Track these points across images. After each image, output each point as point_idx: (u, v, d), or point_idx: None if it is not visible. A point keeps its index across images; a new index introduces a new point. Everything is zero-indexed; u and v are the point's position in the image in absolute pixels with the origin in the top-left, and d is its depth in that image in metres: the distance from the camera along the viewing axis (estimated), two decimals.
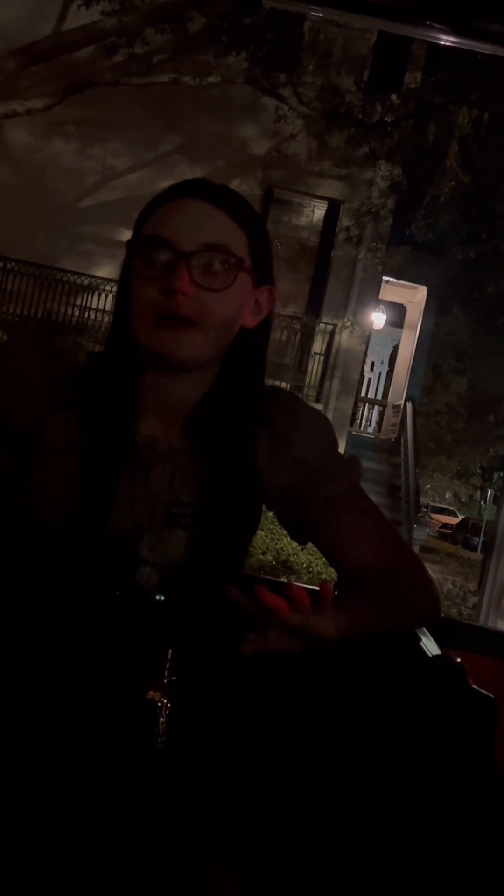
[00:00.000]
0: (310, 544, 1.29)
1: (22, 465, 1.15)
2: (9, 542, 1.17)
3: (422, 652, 1.26)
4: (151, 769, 1.13)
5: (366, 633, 1.14)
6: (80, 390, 1.17)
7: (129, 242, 1.17)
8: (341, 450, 1.30)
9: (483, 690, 1.24)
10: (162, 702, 1.14)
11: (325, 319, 13.03)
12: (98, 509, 1.12)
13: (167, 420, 1.18)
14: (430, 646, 1.28)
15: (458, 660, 1.19)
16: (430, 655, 1.25)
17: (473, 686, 1.19)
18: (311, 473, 1.24)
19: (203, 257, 1.12)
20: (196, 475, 1.17)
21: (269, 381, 1.28)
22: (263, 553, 8.38)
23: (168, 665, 1.15)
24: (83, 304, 12.23)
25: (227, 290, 1.13)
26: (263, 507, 1.27)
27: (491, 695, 1.24)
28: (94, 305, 12.16)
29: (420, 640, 1.30)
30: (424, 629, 1.34)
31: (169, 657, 1.16)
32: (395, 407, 18.82)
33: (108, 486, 1.13)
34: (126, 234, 1.18)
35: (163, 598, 1.15)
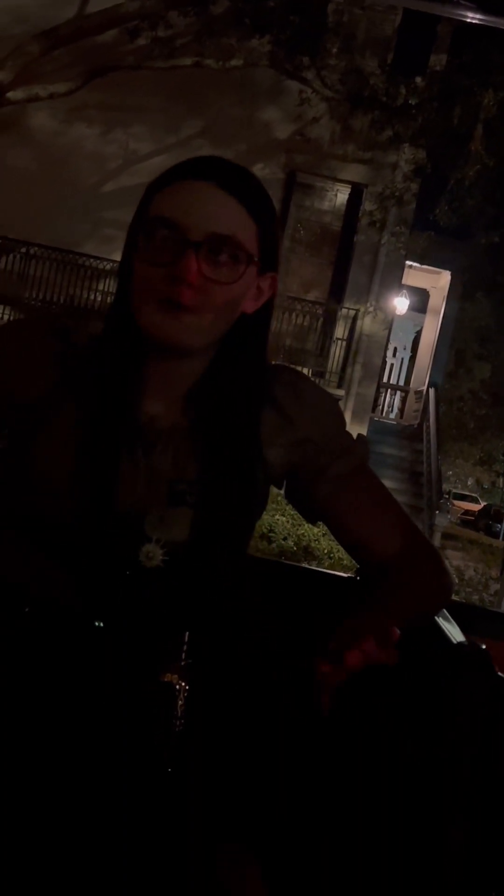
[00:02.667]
0: None
1: (25, 443, 1.15)
2: (14, 520, 1.16)
3: (446, 638, 1.24)
4: (170, 753, 1.12)
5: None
6: (81, 369, 1.16)
7: (134, 218, 1.14)
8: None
9: None
10: (180, 685, 1.13)
11: (347, 304, 12.98)
12: (101, 487, 1.11)
13: (169, 399, 1.17)
14: (453, 632, 1.27)
15: (484, 646, 1.17)
16: (454, 642, 1.23)
17: (500, 674, 1.17)
18: (318, 451, 1.23)
19: (212, 248, 1.10)
20: (199, 453, 1.16)
21: (291, 366, 1.27)
22: (285, 539, 8.37)
23: (185, 647, 1.14)
24: (105, 288, 12.24)
25: (234, 283, 1.11)
26: (275, 489, 1.26)
27: None
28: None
29: (442, 625, 1.28)
30: (447, 614, 1.33)
31: (186, 639, 1.15)
32: (418, 393, 18.75)
33: (110, 465, 1.12)
34: None
35: (168, 578, 1.13)
